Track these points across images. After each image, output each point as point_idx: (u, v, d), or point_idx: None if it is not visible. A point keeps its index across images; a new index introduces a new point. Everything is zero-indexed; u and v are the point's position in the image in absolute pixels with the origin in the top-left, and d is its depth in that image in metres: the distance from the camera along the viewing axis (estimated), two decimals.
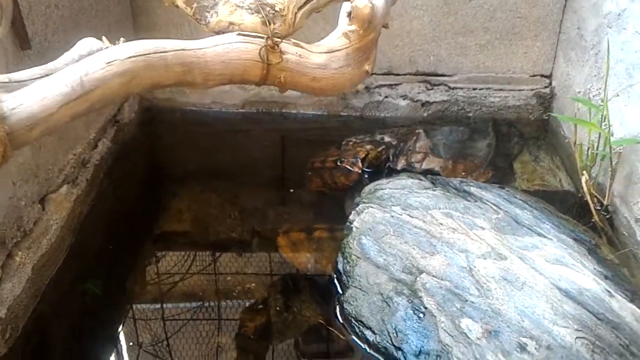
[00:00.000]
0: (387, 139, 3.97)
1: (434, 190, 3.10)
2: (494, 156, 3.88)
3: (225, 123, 4.41)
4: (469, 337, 2.30)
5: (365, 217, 2.92)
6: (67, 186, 3.01)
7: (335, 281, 2.86)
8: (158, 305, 2.93)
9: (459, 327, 2.34)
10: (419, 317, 2.42)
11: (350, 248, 2.81)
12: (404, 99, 4.35)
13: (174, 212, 3.56)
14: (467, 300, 2.41)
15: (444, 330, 2.35)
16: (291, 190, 3.74)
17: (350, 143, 3.97)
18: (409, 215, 2.87)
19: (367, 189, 3.22)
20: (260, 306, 2.92)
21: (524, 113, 4.39)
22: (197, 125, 4.39)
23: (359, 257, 2.74)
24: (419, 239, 2.72)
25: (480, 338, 2.29)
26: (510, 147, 4.06)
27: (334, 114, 4.43)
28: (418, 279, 2.55)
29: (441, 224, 2.79)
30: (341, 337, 2.61)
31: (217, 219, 3.53)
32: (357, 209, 3.03)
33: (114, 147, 3.65)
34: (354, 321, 2.57)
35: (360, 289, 2.62)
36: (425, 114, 4.39)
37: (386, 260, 2.67)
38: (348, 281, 2.71)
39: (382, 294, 2.55)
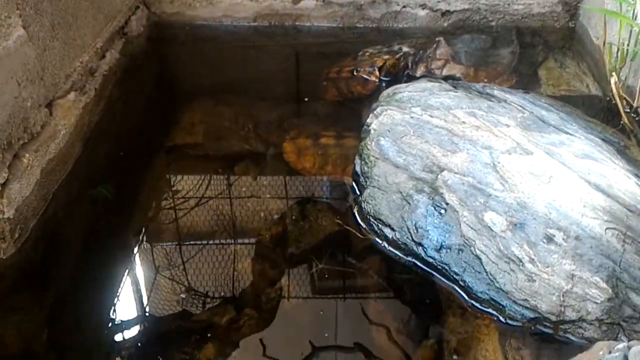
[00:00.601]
0: (405, 49, 3.81)
1: (455, 92, 2.96)
2: (518, 63, 3.73)
3: (237, 38, 4.26)
4: (492, 230, 2.21)
5: (383, 119, 2.80)
6: (74, 93, 2.91)
7: (353, 184, 2.78)
8: (171, 212, 2.87)
9: (483, 221, 2.24)
10: (440, 213, 2.33)
11: (369, 149, 2.70)
12: (423, 9, 4.16)
13: (185, 124, 3.45)
14: (490, 195, 2.31)
15: (467, 224, 2.26)
16: (306, 99, 3.62)
17: (367, 54, 3.82)
18: (429, 115, 2.74)
19: (385, 93, 3.08)
20: (276, 216, 2.85)
21: (549, 21, 4.18)
22: (208, 40, 4.25)
23: (377, 158, 2.64)
24: (440, 138, 2.60)
25: (504, 230, 2.20)
26: (534, 54, 3.90)
27: (350, 26, 4.26)
28: (439, 176, 2.44)
29: (463, 122, 2.66)
30: (359, 236, 2.53)
31: (230, 132, 3.42)
32: (375, 112, 2.91)
33: (122, 59, 3.53)
34: (372, 220, 2.49)
35: (378, 188, 2.53)
36: (445, 24, 4.20)
37: (406, 160, 2.57)
38: (366, 182, 2.62)
39: (401, 192, 2.46)
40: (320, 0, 4.13)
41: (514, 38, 3.96)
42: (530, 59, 3.85)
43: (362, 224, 2.56)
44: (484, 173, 2.40)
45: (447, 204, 2.33)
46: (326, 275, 2.52)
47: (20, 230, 2.34)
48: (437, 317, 2.30)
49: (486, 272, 2.16)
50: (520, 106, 2.87)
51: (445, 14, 4.16)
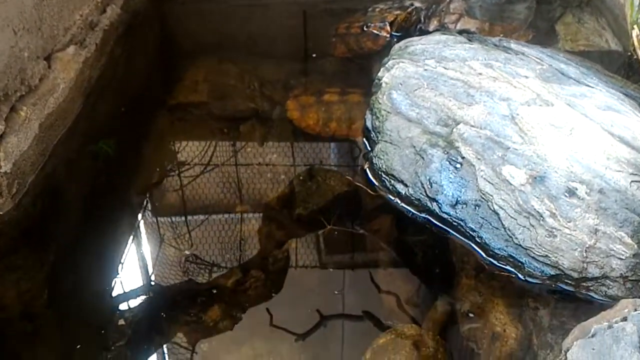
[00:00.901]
0: (416, 4, 3.66)
1: (470, 44, 2.83)
2: (535, 19, 3.57)
3: None
4: (511, 184, 2.10)
5: (395, 72, 2.68)
6: (74, 47, 2.80)
7: (364, 139, 2.67)
8: (175, 173, 2.77)
9: (501, 175, 2.14)
10: (456, 168, 2.22)
11: (380, 103, 2.58)
12: None
13: (189, 82, 3.34)
14: (509, 148, 2.20)
15: (484, 178, 2.15)
16: (314, 55, 3.49)
17: (377, 10, 3.68)
18: (444, 67, 2.61)
19: (396, 46, 2.95)
20: (282, 177, 2.76)
21: None
22: None
23: (389, 112, 2.52)
24: (455, 90, 2.48)
25: (524, 184, 2.09)
26: (551, 10, 3.73)
27: None
28: (455, 130, 2.33)
29: (480, 73, 2.54)
30: (371, 192, 2.43)
31: (236, 90, 3.31)
32: (386, 65, 2.78)
33: (124, 15, 3.41)
34: (384, 175, 2.38)
35: (390, 143, 2.42)
36: None
37: (419, 113, 2.45)
38: (377, 137, 2.51)
39: (414, 146, 2.35)
40: None
41: None
42: (547, 14, 3.69)
43: (373, 180, 2.45)
44: (502, 125, 2.28)
45: (462, 157, 2.23)
46: (335, 237, 2.43)
47: (18, 185, 2.26)
48: (450, 279, 2.21)
49: (504, 228, 2.06)
50: (539, 59, 2.73)
51: None
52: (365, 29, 3.40)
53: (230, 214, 2.62)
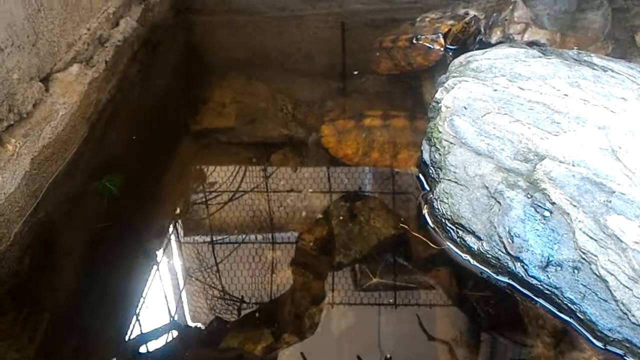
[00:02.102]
0: (472, 12, 3.18)
1: (548, 58, 2.34)
2: (612, 28, 3.06)
3: (274, 6, 3.69)
4: (621, 241, 1.61)
5: (457, 93, 2.21)
6: (78, 66, 2.41)
7: (420, 176, 2.20)
8: (197, 211, 2.34)
9: (606, 228, 1.64)
10: (544, 217, 1.73)
11: (440, 132, 2.11)
12: None
13: (215, 105, 2.93)
14: (614, 192, 1.71)
15: (583, 232, 1.66)
16: (354, 73, 3.04)
17: (427, 20, 3.22)
18: (519, 87, 2.14)
19: (456, 61, 2.48)
20: (320, 216, 2.31)
21: None
22: (240, 9, 3.69)
23: (452, 143, 2.05)
24: (535, 116, 2.00)
25: (638, 241, 1.60)
26: (629, 18, 3.22)
27: None
28: (539, 166, 1.85)
29: (566, 95, 2.05)
30: (431, 245, 1.96)
31: (267, 113, 2.90)
32: (445, 85, 2.31)
33: (141, 29, 3.01)
34: (449, 224, 1.90)
35: (456, 182, 1.94)
36: None
37: (490, 144, 1.97)
38: (438, 174, 2.03)
39: (487, 187, 1.87)
40: None
41: (604, 0, 3.29)
42: (625, 23, 3.19)
43: (435, 229, 1.98)
44: (601, 161, 1.79)
45: (552, 203, 1.74)
46: (382, 292, 1.97)
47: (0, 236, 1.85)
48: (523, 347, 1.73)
49: (616, 301, 1.56)
50: (631, 76, 2.23)
51: None
52: (414, 41, 2.94)
53: (260, 261, 2.19)
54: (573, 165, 1.81)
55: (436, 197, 1.96)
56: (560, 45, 2.84)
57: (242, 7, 3.67)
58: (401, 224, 2.07)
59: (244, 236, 2.28)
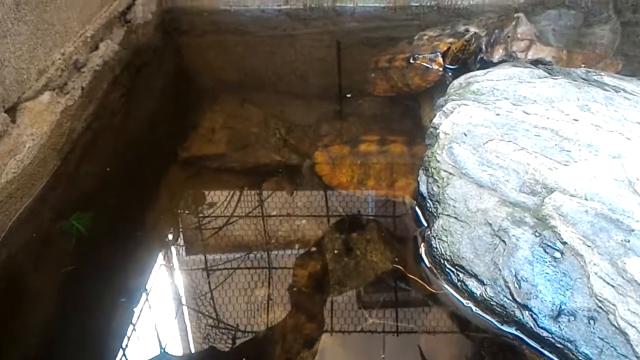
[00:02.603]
0: (473, 29, 3.01)
1: (554, 79, 2.17)
2: (621, 43, 2.88)
3: (266, 25, 3.55)
4: None
5: (457, 118, 2.03)
6: (50, 93, 2.25)
7: (417, 209, 2.02)
8: (179, 250, 2.16)
9: (625, 272, 1.45)
10: (554, 258, 1.54)
11: (438, 161, 1.94)
12: None
13: (205, 130, 2.75)
14: (632, 230, 1.52)
15: (599, 277, 1.47)
16: (348, 96, 2.88)
17: (425, 37, 3.06)
18: (523, 111, 1.96)
19: (456, 83, 2.31)
20: (314, 249, 2.13)
21: None
22: (232, 29, 3.55)
23: (451, 174, 1.87)
24: (543, 143, 1.82)
25: None
26: (639, 32, 3.05)
27: (402, 5, 3.51)
28: (547, 200, 1.66)
29: (576, 120, 1.87)
30: (428, 288, 1.77)
31: (259, 138, 2.73)
32: (444, 109, 2.14)
33: (123, 51, 2.86)
34: (448, 265, 1.72)
35: (456, 218, 1.76)
36: (521, 0, 3.38)
37: (493, 175, 1.79)
38: (436, 208, 1.85)
39: (490, 224, 1.68)
40: None
41: (612, 13, 3.13)
42: (635, 37, 3.03)
43: (433, 271, 1.79)
44: (617, 195, 1.61)
45: (564, 243, 1.55)
46: (378, 335, 1.79)
47: None
48: None
49: (637, 357, 1.36)
50: None
51: None
52: (412, 61, 2.77)
53: (249, 301, 2.01)
54: (586, 199, 1.62)
55: (434, 234, 1.78)
56: (567, 63, 2.67)
57: (233, 27, 3.53)
58: (395, 265, 1.88)
59: (232, 273, 2.10)
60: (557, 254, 1.54)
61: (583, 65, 2.66)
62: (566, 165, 1.73)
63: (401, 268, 1.85)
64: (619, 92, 2.07)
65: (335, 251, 2.08)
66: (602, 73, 2.30)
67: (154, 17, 3.28)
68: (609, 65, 2.68)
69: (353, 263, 2.03)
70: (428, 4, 3.45)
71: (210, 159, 2.63)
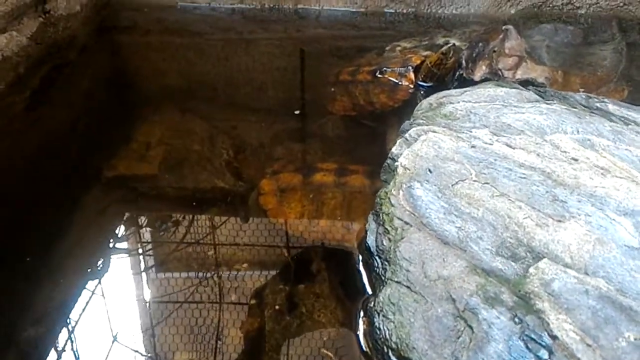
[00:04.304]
0: (454, 42, 2.58)
1: (548, 104, 1.72)
2: (626, 67, 2.46)
3: (217, 26, 3.10)
4: None
5: (421, 148, 1.57)
6: None
7: (361, 268, 1.55)
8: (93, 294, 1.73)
9: None
10: (538, 357, 1.08)
11: (392, 205, 1.47)
12: None
13: (138, 145, 2.35)
14: None
15: None
16: (296, 112, 2.45)
17: (398, 49, 2.63)
18: (507, 144, 1.50)
19: (425, 103, 1.87)
20: (253, 301, 1.75)
21: None
22: (178, 28, 3.09)
23: (407, 224, 1.41)
24: (530, 189, 1.36)
25: None
26: None
27: (375, 11, 3.08)
28: (533, 270, 1.21)
29: (574, 159, 1.42)
30: None
31: (201, 158, 2.34)
32: (406, 135, 1.68)
33: (34, 47, 2.39)
34: (392, 357, 1.24)
35: (409, 287, 1.29)
36: (512, 11, 2.99)
37: (463, 229, 1.33)
38: (385, 270, 1.38)
39: (454, 300, 1.22)
40: None
41: (616, 31, 2.71)
42: None
43: (372, 356, 1.32)
44: (629, 270, 1.15)
45: (553, 337, 1.09)
46: None
47: None
48: None
49: None
50: None
51: None
52: (378, 75, 2.32)
53: None
54: (586, 274, 1.16)
55: (378, 308, 1.30)
56: (563, 86, 2.23)
57: (179, 26, 3.07)
58: (324, 351, 1.40)
59: (138, 341, 1.66)
60: (544, 354, 1.08)
61: (582, 90, 2.23)
62: (560, 221, 1.27)
63: (330, 356, 1.38)
64: (629, 124, 1.63)
65: (277, 306, 1.66)
66: (605, 100, 1.86)
67: (83, 9, 2.82)
68: (612, 91, 2.25)
69: (296, 323, 1.64)
70: (404, 11, 3.01)
71: (140, 180, 2.21)
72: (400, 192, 1.48)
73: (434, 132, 1.62)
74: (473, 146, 1.52)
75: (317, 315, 1.63)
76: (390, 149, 1.87)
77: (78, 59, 2.71)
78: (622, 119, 1.68)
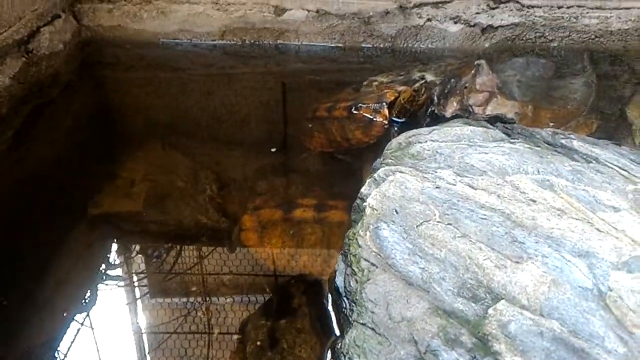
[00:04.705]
0: (429, 77, 2.65)
1: (511, 143, 1.77)
2: (597, 100, 2.52)
3: (199, 61, 3.16)
4: None
5: (388, 188, 1.62)
6: None
7: (330, 308, 1.59)
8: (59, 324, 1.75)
9: None
10: None
11: (359, 246, 1.51)
12: (456, 23, 3.03)
13: (123, 182, 2.38)
14: None
15: None
16: (273, 150, 2.50)
17: (375, 84, 2.68)
18: (469, 185, 1.55)
19: (394, 142, 1.92)
20: (235, 337, 1.76)
21: (635, 41, 2.98)
22: (161, 64, 3.14)
23: (373, 265, 1.45)
24: (490, 230, 1.41)
25: None
26: (617, 87, 2.71)
27: (353, 46, 3.13)
28: (492, 311, 1.25)
29: (532, 200, 1.46)
30: None
31: (184, 194, 2.36)
32: (375, 175, 1.73)
33: (16, 87, 2.43)
34: None
35: (373, 330, 1.33)
36: (486, 45, 3.06)
37: (426, 270, 1.38)
38: (352, 311, 1.42)
39: (416, 342, 1.25)
40: (313, 11, 3.02)
41: (587, 64, 2.78)
42: (612, 93, 2.69)
43: None
44: (582, 311, 1.19)
45: None
46: None
47: None
48: None
49: None
50: (623, 169, 1.66)
51: (486, 30, 3.01)
52: (354, 111, 2.37)
53: None
54: (541, 315, 1.20)
55: (344, 350, 1.34)
56: (533, 121, 2.29)
57: (163, 62, 3.12)
58: None
59: None
60: None
61: (552, 124, 2.29)
62: (518, 262, 1.31)
63: None
64: (591, 162, 1.68)
65: (258, 342, 1.69)
66: (572, 136, 1.91)
67: (66, 47, 2.86)
68: (581, 125, 2.31)
69: (278, 358, 1.63)
70: (381, 45, 3.08)
71: (124, 217, 2.24)
72: (368, 232, 1.53)
73: (401, 172, 1.67)
74: (437, 187, 1.57)
75: (298, 350, 1.65)
76: (360, 189, 1.92)
77: (61, 96, 2.75)
78: (585, 156, 1.74)
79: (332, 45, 3.13)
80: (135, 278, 2.05)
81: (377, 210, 1.58)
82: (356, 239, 1.54)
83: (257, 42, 3.13)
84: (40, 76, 2.62)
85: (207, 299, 1.92)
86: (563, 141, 1.85)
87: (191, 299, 1.92)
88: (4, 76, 2.37)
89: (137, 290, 1.99)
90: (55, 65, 2.75)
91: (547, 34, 3.00)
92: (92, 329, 1.78)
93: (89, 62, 3.07)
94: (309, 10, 3.02)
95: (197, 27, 3.09)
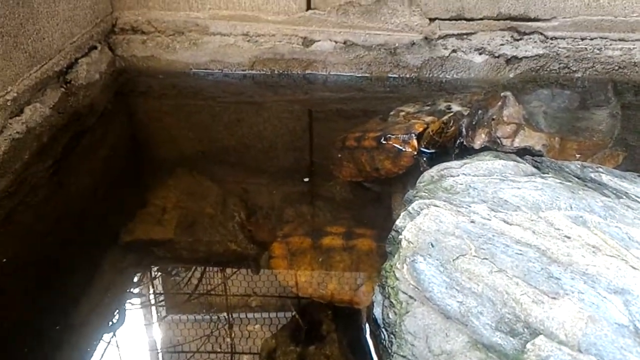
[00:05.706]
0: (455, 107, 2.71)
1: (543, 178, 1.82)
2: (622, 131, 2.56)
3: (229, 90, 3.23)
4: None
5: (424, 222, 1.67)
6: None
7: (368, 339, 1.63)
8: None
9: None
10: None
11: (397, 279, 1.56)
12: (481, 54, 3.08)
13: (155, 209, 2.42)
14: None
15: None
16: (305, 180, 2.54)
17: (402, 114, 2.73)
18: (504, 220, 1.59)
19: (427, 175, 1.96)
20: None
21: None
22: (192, 93, 3.22)
23: (412, 298, 1.49)
24: (526, 266, 1.45)
25: None
26: None
27: (380, 75, 3.20)
28: (530, 346, 1.28)
29: (567, 236, 1.50)
30: None
31: (214, 222, 2.39)
32: (409, 208, 1.78)
33: (56, 117, 2.51)
34: None
35: None
36: (511, 75, 3.10)
37: (464, 304, 1.42)
38: (391, 342, 1.46)
39: None
40: (341, 42, 3.09)
41: (611, 95, 2.82)
42: (637, 124, 2.71)
43: None
44: (619, 348, 1.23)
45: None
46: None
47: None
48: None
49: None
50: None
51: (511, 61, 3.07)
52: (383, 141, 2.43)
53: None
54: (580, 351, 1.24)
55: None
56: (560, 153, 2.33)
57: (194, 91, 3.21)
58: None
59: None
60: None
61: (578, 156, 2.32)
62: (554, 298, 1.35)
63: None
64: (621, 197, 1.72)
65: None
66: (600, 169, 1.95)
67: (102, 77, 2.95)
68: (607, 157, 2.34)
69: None
70: (407, 75, 3.14)
71: (157, 244, 2.29)
72: (405, 265, 1.57)
73: (436, 206, 1.72)
74: (472, 221, 1.62)
75: None
76: (395, 215, 1.96)
77: (97, 124, 2.84)
78: (615, 191, 1.77)
79: (359, 75, 3.20)
80: (166, 303, 2.10)
81: (413, 244, 1.62)
82: (393, 271, 1.58)
83: (285, 72, 3.21)
84: (77, 106, 2.71)
85: (232, 320, 1.97)
86: (592, 175, 1.89)
87: (218, 321, 1.97)
88: (45, 106, 2.45)
89: (168, 315, 2.04)
90: (91, 95, 2.85)
91: (571, 65, 3.05)
92: (123, 350, 1.83)
93: (123, 92, 3.16)
94: (336, 42, 3.10)
95: (228, 57, 3.18)
